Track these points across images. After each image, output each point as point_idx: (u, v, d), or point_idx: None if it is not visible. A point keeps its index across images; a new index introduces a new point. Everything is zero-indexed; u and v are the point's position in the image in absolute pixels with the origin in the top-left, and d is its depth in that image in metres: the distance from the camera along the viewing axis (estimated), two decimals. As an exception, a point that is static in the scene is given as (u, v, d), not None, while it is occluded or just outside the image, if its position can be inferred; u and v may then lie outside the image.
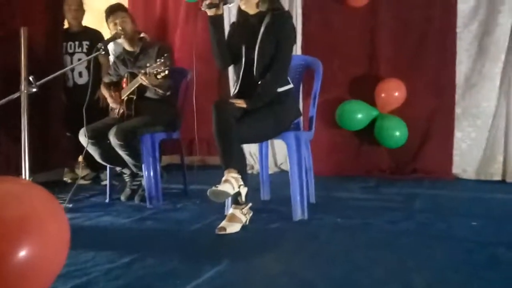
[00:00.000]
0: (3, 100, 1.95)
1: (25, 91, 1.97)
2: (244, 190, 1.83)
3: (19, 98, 1.99)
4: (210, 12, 1.92)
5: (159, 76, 2.23)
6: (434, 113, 2.99)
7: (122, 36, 2.49)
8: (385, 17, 3.07)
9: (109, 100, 2.62)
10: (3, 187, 0.95)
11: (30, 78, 1.96)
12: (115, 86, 2.65)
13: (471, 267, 1.32)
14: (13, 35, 2.79)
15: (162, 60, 2.22)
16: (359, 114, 2.99)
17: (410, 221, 1.88)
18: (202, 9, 1.90)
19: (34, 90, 1.99)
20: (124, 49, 2.63)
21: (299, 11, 3.26)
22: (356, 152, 3.18)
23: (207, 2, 1.89)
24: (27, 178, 2.10)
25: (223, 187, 1.70)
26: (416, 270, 1.30)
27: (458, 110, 2.92)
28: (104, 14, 2.57)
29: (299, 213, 1.97)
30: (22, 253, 0.85)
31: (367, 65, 3.15)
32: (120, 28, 2.47)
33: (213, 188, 1.69)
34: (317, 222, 1.92)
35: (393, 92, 2.95)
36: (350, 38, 3.15)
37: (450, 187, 2.68)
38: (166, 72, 2.22)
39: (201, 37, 3.47)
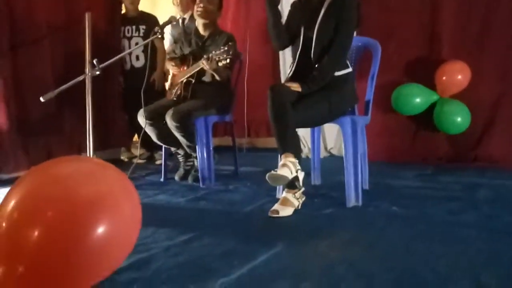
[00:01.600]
0: (70, 83, 2.06)
1: (89, 74, 2.06)
2: (301, 175, 1.81)
3: (81, 80, 2.09)
4: None
5: (220, 63, 2.26)
6: (500, 97, 2.78)
7: (199, 17, 2.51)
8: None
9: (175, 71, 2.66)
10: (79, 167, 0.99)
11: (94, 61, 2.05)
12: (179, 63, 2.70)
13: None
14: (76, 20, 2.93)
15: (226, 48, 2.23)
16: (417, 98, 2.85)
17: (473, 213, 1.77)
18: None
19: (98, 73, 2.08)
20: (196, 30, 2.66)
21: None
22: (412, 138, 3.05)
23: None
24: (91, 156, 2.22)
25: (281, 171, 1.68)
26: (484, 266, 1.22)
27: (527, 95, 2.70)
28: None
29: (353, 199, 1.92)
30: (98, 231, 0.88)
31: (426, 46, 2.96)
32: (201, 5, 2.49)
33: (272, 172, 1.68)
34: (372, 209, 1.87)
35: (456, 75, 2.77)
36: (408, 18, 2.98)
37: (516, 178, 2.49)
38: (228, 60, 2.23)
39: (255, 20, 3.44)
